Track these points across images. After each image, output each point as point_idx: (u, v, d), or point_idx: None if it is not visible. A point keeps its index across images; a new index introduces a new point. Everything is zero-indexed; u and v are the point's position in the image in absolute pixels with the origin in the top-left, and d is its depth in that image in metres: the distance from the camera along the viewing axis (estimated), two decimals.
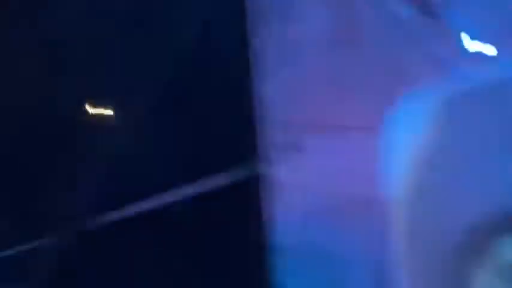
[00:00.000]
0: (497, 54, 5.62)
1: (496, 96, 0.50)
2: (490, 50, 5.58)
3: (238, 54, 8.03)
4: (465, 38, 5.82)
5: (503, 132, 0.49)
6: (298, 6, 7.47)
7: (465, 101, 0.50)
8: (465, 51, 5.78)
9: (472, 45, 5.74)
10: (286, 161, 8.34)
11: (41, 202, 8.52)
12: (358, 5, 7.19)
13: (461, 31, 5.85)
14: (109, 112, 8.92)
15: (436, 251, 0.57)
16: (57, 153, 9.09)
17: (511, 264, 0.50)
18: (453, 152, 0.50)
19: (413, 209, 0.54)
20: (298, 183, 8.54)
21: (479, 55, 5.67)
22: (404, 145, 0.53)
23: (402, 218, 0.56)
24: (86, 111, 9.98)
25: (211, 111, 9.76)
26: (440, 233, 0.55)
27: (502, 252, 0.51)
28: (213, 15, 8.67)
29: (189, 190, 8.24)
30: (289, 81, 7.81)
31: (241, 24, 7.52)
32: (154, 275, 9.47)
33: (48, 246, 7.84)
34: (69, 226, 8.06)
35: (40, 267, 7.82)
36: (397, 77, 6.79)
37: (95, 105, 9.76)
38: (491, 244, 0.53)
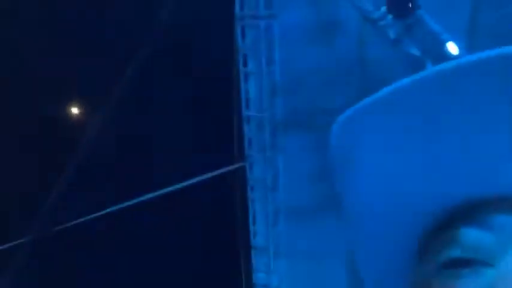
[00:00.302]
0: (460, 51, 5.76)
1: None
2: (454, 49, 5.74)
3: (222, 55, 8.04)
4: (436, 38, 5.98)
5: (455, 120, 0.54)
6: (280, 5, 7.51)
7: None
8: (437, 50, 5.94)
9: (443, 44, 5.89)
10: (265, 159, 8.32)
11: (20, 203, 8.43)
12: (336, 5, 7.26)
13: (432, 31, 5.99)
14: (95, 113, 8.78)
15: (391, 246, 0.62)
16: (36, 155, 8.96)
17: (451, 261, 0.55)
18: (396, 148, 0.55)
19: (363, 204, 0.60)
20: (277, 180, 8.50)
21: (448, 53, 5.83)
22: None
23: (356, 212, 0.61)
24: (69, 111, 9.82)
25: (196, 111, 9.64)
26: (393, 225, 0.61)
27: (443, 249, 0.56)
28: (198, 17, 8.64)
29: (171, 187, 8.21)
30: (270, 81, 7.83)
31: (226, 23, 7.55)
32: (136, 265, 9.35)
33: (26, 244, 7.85)
34: (47, 225, 8.06)
35: (19, 263, 7.83)
36: (374, 74, 6.86)
37: (82, 106, 9.58)
38: (438, 239, 0.59)
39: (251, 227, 8.75)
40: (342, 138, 0.64)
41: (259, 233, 8.89)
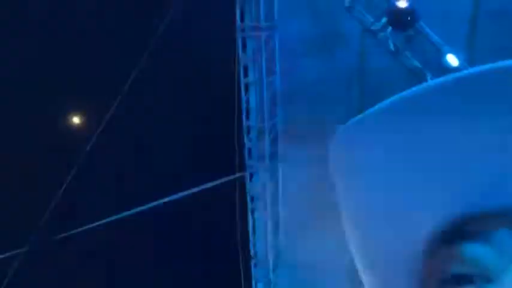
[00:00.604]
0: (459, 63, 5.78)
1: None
2: (454, 60, 5.77)
3: (223, 65, 8.07)
4: (436, 49, 6.01)
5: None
6: (281, 17, 7.53)
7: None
8: (436, 61, 5.97)
9: (441, 55, 5.93)
10: (265, 169, 8.28)
11: (15, 212, 8.39)
12: (337, 17, 7.29)
13: (431, 42, 6.03)
14: (94, 124, 8.74)
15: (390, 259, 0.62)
16: (31, 165, 8.90)
17: (453, 277, 0.56)
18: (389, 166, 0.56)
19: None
20: (277, 190, 8.45)
21: (448, 65, 5.86)
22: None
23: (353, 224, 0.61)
24: (69, 123, 9.79)
25: (197, 121, 9.61)
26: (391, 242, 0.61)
27: (445, 264, 0.57)
28: (199, 27, 8.64)
29: (171, 197, 8.18)
30: (270, 91, 7.83)
31: (227, 34, 7.59)
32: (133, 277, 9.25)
33: (20, 255, 7.81)
34: (41, 236, 8.02)
35: (15, 273, 7.77)
36: (375, 85, 6.85)
37: (80, 113, 9.55)
38: (439, 255, 0.60)
39: (251, 237, 8.72)
40: (341, 149, 0.65)
41: (259, 243, 8.87)
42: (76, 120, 9.78)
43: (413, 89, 0.59)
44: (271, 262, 8.99)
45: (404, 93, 0.60)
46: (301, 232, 8.76)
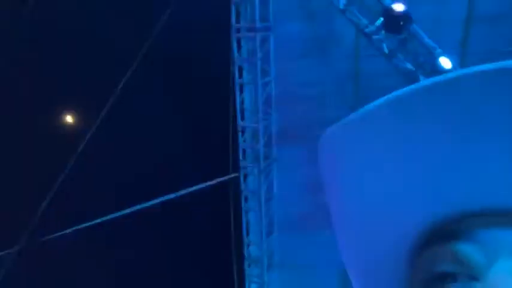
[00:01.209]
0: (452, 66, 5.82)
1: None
2: (447, 63, 5.81)
3: (218, 66, 8.05)
4: (429, 52, 6.06)
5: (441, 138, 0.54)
6: (276, 19, 7.56)
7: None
8: (429, 64, 6.01)
9: (434, 58, 5.97)
10: (259, 169, 8.30)
11: (5, 213, 8.34)
12: (332, 19, 7.32)
13: (424, 45, 6.07)
14: (87, 121, 8.73)
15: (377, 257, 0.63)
16: (22, 165, 8.82)
17: (439, 275, 0.56)
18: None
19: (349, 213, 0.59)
20: (271, 191, 8.45)
21: (441, 67, 5.90)
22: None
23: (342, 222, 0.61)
24: (61, 124, 9.71)
25: (191, 121, 9.59)
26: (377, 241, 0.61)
27: (431, 263, 0.58)
28: (194, 28, 8.63)
29: (165, 197, 8.15)
30: (265, 92, 7.84)
31: (222, 35, 7.57)
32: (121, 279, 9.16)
33: (10, 256, 7.75)
34: (32, 237, 7.96)
35: (5, 273, 7.72)
36: (368, 87, 6.88)
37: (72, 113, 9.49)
38: (426, 253, 0.60)
39: (244, 238, 8.73)
40: (327, 150, 0.65)
41: (253, 243, 8.88)
42: (70, 120, 9.76)
43: (399, 91, 0.59)
44: (265, 263, 9.00)
45: (390, 95, 0.60)
46: (295, 232, 8.78)
